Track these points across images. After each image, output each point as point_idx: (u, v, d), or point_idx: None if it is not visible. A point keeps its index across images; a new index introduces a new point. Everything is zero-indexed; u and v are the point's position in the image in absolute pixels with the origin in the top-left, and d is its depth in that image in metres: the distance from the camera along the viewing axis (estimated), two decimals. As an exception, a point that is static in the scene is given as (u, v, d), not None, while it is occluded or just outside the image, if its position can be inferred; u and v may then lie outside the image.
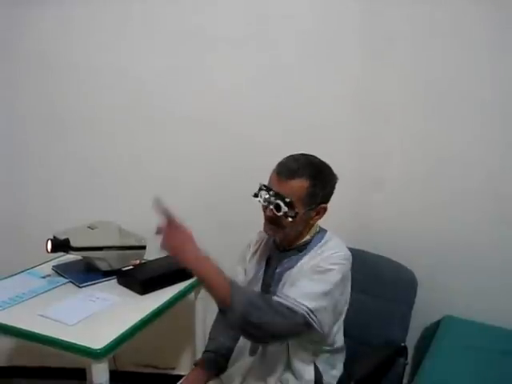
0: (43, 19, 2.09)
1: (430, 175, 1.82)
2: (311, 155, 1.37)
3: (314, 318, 1.25)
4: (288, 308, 1.23)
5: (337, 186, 1.46)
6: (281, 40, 1.91)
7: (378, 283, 1.69)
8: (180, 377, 1.59)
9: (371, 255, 1.77)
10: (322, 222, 1.47)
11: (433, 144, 1.80)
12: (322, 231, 1.44)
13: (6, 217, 2.25)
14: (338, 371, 1.44)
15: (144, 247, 1.92)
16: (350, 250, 1.55)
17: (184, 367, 2.26)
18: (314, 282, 1.28)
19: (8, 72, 2.15)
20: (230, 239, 1.73)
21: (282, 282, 1.39)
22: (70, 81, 2.13)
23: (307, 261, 1.36)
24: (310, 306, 1.24)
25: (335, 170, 1.44)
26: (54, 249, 1.75)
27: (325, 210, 1.37)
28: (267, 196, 1.31)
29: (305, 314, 1.24)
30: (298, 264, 1.38)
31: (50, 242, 1.74)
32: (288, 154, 1.38)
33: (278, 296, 1.27)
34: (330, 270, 1.30)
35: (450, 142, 1.78)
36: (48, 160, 2.22)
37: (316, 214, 1.36)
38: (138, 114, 2.09)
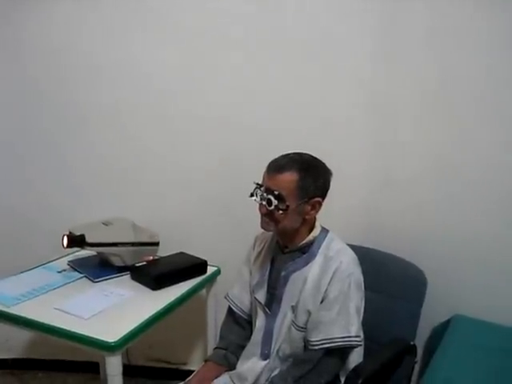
0: (59, 16, 2.13)
1: (440, 175, 1.81)
2: (304, 152, 1.40)
3: (359, 338, 1.36)
4: (339, 349, 1.35)
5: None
6: (294, 38, 1.92)
7: (388, 281, 1.69)
8: (191, 372, 1.62)
9: (380, 253, 1.77)
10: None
11: (444, 144, 1.80)
12: (324, 231, 1.46)
13: (22, 212, 2.31)
14: (354, 363, 1.44)
15: (157, 243, 1.96)
16: (360, 248, 1.58)
17: (195, 363, 2.28)
18: (342, 310, 1.34)
19: (24, 69, 2.20)
20: (242, 238, 1.73)
21: (287, 286, 1.43)
22: (86, 79, 2.16)
23: (316, 270, 1.39)
24: (354, 334, 1.34)
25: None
26: (70, 244, 1.79)
27: (320, 204, 1.39)
28: (259, 193, 1.35)
29: (354, 343, 1.35)
30: (305, 269, 1.40)
31: (66, 238, 1.78)
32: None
33: (322, 342, 1.34)
34: (348, 289, 1.35)
35: (461, 142, 1.77)
36: (64, 158, 2.26)
37: (311, 209, 1.38)
38: (153, 113, 2.12)
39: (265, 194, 1.34)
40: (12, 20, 2.14)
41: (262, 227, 1.41)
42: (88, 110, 2.19)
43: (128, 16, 2.07)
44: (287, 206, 1.32)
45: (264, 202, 1.34)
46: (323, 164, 1.40)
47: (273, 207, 1.32)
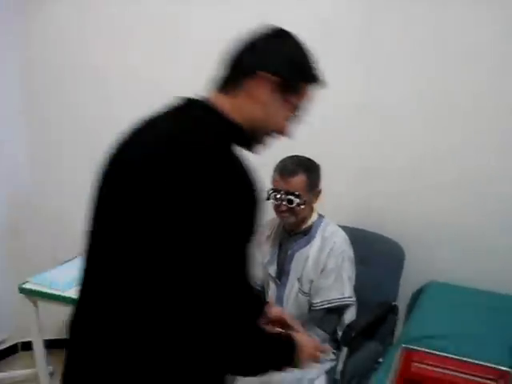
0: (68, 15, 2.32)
1: (414, 165, 2.07)
2: (299, 155, 1.72)
3: (352, 299, 1.71)
4: (336, 309, 1.69)
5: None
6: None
7: (373, 256, 1.99)
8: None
9: (367, 232, 2.08)
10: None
11: (427, 138, 2.02)
12: (321, 217, 1.81)
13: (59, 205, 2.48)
14: (348, 321, 1.76)
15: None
16: (349, 228, 1.90)
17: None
18: (337, 278, 1.69)
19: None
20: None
21: (293, 262, 1.76)
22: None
23: (315, 249, 1.73)
24: (347, 295, 1.69)
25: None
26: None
27: (319, 192, 1.75)
28: (278, 196, 1.68)
29: (348, 302, 1.70)
30: (307, 248, 1.74)
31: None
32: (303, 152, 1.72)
33: (322, 303, 1.69)
34: (342, 263, 1.70)
35: (443, 138, 1.99)
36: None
37: (316, 198, 1.75)
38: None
39: (284, 196, 1.66)
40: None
41: (282, 218, 1.75)
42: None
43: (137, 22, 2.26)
44: (304, 201, 1.67)
45: (284, 202, 1.67)
46: (314, 161, 1.74)
47: (294, 204, 1.66)
